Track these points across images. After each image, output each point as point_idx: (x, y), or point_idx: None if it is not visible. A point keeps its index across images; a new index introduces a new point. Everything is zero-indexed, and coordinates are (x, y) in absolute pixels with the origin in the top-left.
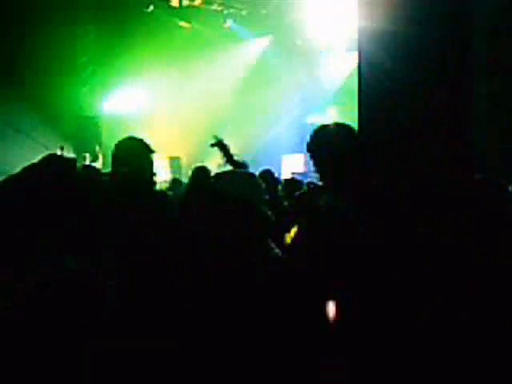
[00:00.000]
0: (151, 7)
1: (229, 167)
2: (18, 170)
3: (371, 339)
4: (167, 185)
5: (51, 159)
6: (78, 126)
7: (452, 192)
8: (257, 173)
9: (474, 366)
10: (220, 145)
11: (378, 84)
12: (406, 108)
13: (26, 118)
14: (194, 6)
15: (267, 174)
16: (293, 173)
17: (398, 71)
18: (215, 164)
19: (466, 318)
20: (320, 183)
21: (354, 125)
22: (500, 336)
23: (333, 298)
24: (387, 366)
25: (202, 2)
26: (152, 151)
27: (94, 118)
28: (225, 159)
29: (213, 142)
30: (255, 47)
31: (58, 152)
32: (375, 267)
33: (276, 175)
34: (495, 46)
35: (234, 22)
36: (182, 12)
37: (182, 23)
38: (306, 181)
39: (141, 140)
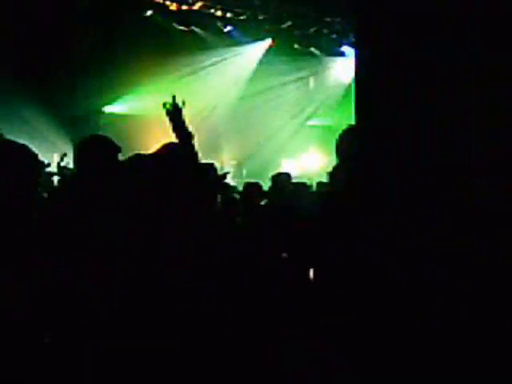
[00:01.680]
0: (150, 11)
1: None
2: None
3: (370, 338)
4: None
5: None
6: (76, 128)
7: (450, 195)
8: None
9: (474, 365)
10: (174, 107)
11: (374, 88)
12: (404, 111)
13: (25, 119)
14: (193, 11)
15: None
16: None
17: (395, 75)
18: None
19: (465, 317)
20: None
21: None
22: (499, 336)
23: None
24: (386, 365)
25: (201, 7)
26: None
27: (93, 120)
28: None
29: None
30: (255, 51)
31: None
32: (375, 266)
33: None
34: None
35: (234, 26)
36: (181, 16)
37: (181, 27)
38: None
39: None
